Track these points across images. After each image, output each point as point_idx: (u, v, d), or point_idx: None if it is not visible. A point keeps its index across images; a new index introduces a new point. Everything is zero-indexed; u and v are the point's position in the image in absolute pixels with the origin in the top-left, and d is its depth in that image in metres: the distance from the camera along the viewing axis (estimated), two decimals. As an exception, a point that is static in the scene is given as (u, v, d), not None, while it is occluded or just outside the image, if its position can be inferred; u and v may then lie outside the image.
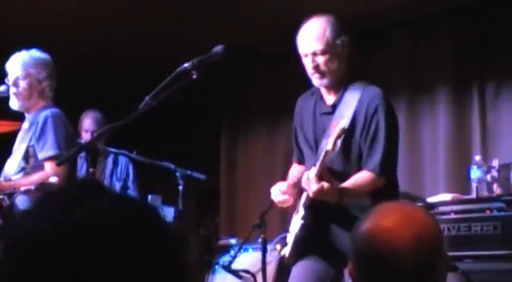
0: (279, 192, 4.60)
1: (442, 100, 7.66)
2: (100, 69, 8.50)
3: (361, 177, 4.48)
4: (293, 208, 4.64)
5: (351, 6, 6.94)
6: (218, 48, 4.41)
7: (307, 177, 4.36)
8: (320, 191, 4.31)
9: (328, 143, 4.31)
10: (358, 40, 6.03)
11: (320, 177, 4.32)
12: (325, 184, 4.31)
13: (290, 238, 4.57)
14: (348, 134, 4.45)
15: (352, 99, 4.60)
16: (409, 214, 2.32)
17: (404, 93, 7.82)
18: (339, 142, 4.33)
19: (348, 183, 4.43)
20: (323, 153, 4.35)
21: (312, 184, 4.33)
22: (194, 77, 4.37)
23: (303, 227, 4.47)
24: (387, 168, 4.53)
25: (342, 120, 4.37)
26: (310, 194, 4.40)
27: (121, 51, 8.27)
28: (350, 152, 4.52)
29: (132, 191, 7.06)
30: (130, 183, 7.10)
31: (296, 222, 4.53)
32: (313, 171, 4.34)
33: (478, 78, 7.52)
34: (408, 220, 2.29)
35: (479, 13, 7.53)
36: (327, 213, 4.45)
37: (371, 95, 4.61)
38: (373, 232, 2.28)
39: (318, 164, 4.35)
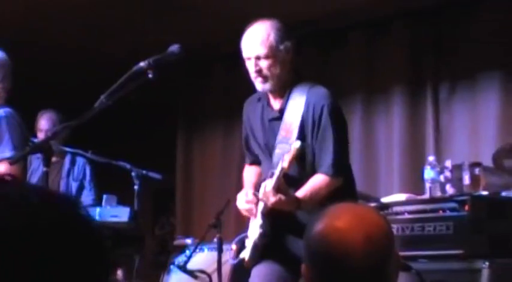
0: (244, 201, 4.60)
1: (397, 101, 7.72)
2: (56, 69, 8.46)
3: (316, 182, 4.49)
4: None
5: (308, 7, 6.96)
6: (174, 47, 4.41)
7: (264, 190, 4.38)
8: (278, 203, 4.34)
9: (284, 160, 4.30)
10: (314, 41, 6.07)
11: (277, 189, 4.33)
12: (283, 196, 4.33)
13: (249, 243, 4.56)
14: (299, 138, 4.47)
15: (298, 102, 4.61)
16: (361, 215, 2.34)
17: (360, 94, 7.87)
18: (294, 161, 4.34)
19: (304, 190, 4.44)
20: (279, 169, 4.34)
21: (270, 197, 4.35)
22: (150, 76, 4.36)
23: (262, 236, 4.48)
24: (341, 168, 4.54)
25: (295, 142, 4.36)
26: (269, 206, 4.41)
27: (77, 51, 8.23)
28: (304, 157, 4.52)
29: (88, 191, 7.04)
30: (87, 184, 7.06)
31: (254, 230, 4.53)
32: (269, 184, 4.36)
33: (432, 79, 7.60)
34: (360, 221, 2.30)
35: (434, 15, 7.60)
36: (284, 221, 4.46)
37: (316, 96, 4.61)
38: (326, 233, 2.30)
39: (274, 178, 4.35)
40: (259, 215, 4.50)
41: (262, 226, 4.47)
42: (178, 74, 8.48)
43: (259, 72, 4.54)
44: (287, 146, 4.47)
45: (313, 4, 7.18)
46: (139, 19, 7.64)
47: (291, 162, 4.29)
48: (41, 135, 6.91)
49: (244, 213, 4.64)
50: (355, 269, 2.27)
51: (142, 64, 4.39)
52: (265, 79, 4.56)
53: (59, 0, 7.40)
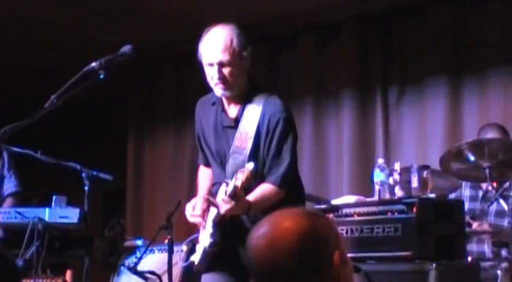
0: (192, 212, 4.60)
1: (347, 104, 7.76)
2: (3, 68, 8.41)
3: (265, 190, 4.52)
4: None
5: (256, 10, 6.97)
6: (126, 48, 4.37)
7: (219, 197, 4.41)
8: (231, 209, 4.37)
9: (238, 179, 4.31)
10: (264, 44, 6.07)
11: (232, 196, 4.34)
12: (236, 203, 4.34)
13: (199, 249, 4.57)
14: (254, 149, 4.53)
15: (254, 112, 4.62)
16: (275, 221, 2.35)
17: (310, 97, 7.90)
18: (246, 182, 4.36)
19: (255, 196, 4.47)
20: (232, 187, 4.33)
21: (224, 204, 4.38)
22: (101, 76, 4.35)
23: (212, 245, 4.48)
24: (288, 181, 4.57)
25: (249, 164, 4.38)
26: (222, 212, 4.43)
27: (24, 51, 8.19)
28: (256, 169, 4.48)
29: (9, 179, 7.02)
30: (5, 172, 7.02)
31: (205, 238, 4.54)
32: (224, 192, 4.37)
33: (381, 83, 7.67)
34: (270, 227, 2.33)
35: (382, 19, 7.64)
36: (234, 231, 4.46)
37: (272, 108, 4.61)
38: (248, 241, 2.34)
39: (230, 188, 4.35)
40: (210, 223, 4.50)
41: (212, 235, 4.48)
42: (128, 75, 8.46)
43: (222, 78, 4.53)
44: (241, 157, 4.54)
45: (262, 7, 7.19)
46: (90, 19, 7.61)
47: (243, 183, 4.30)
48: None
49: (191, 222, 4.66)
50: (260, 272, 2.31)
51: (93, 64, 4.34)
52: (227, 86, 4.56)
53: None
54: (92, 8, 7.49)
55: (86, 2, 7.47)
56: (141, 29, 7.28)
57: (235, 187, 4.30)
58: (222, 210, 4.41)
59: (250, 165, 4.31)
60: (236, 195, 4.33)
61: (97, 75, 4.33)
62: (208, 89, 4.78)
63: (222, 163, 4.69)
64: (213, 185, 4.80)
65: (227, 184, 4.34)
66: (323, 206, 5.80)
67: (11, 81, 8.28)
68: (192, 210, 4.61)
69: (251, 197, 4.43)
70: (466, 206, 6.17)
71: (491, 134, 6.30)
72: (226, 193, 4.33)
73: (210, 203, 4.54)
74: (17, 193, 6.81)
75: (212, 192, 4.74)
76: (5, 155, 7.04)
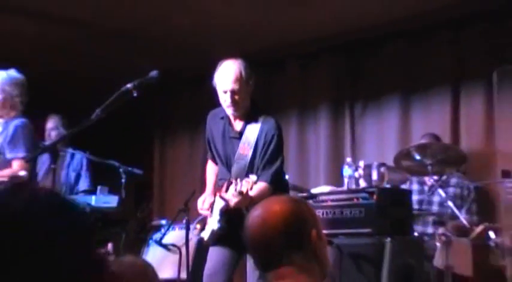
0: (201, 207, 4.72)
1: (323, 116, 7.76)
2: (59, 87, 8.39)
3: (261, 188, 4.53)
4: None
5: (253, 41, 6.94)
6: (153, 73, 4.42)
7: (230, 193, 4.43)
8: (239, 203, 4.40)
9: (243, 186, 4.33)
10: (260, 68, 6.06)
11: (240, 193, 4.36)
12: (242, 198, 4.37)
13: (208, 229, 4.62)
14: (252, 158, 4.61)
15: (254, 128, 4.67)
16: (266, 206, 2.38)
17: (295, 110, 7.89)
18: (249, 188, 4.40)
19: (255, 193, 4.45)
20: (239, 190, 4.35)
21: (233, 199, 4.41)
22: (134, 94, 4.38)
23: (220, 228, 4.54)
24: (275, 179, 4.64)
25: (253, 176, 4.41)
26: (232, 205, 4.46)
27: (77, 74, 8.17)
28: (252, 169, 4.61)
29: (84, 179, 6.98)
30: (83, 173, 7.01)
31: (213, 222, 4.58)
32: (232, 190, 4.40)
33: (349, 99, 7.66)
34: (262, 210, 2.36)
35: (351, 50, 7.64)
36: (235, 217, 4.44)
37: (268, 126, 4.67)
38: (246, 222, 2.39)
39: (238, 189, 4.36)
40: (217, 212, 4.56)
41: (220, 221, 4.54)
42: (154, 93, 8.44)
43: (233, 102, 4.59)
44: (243, 162, 4.64)
45: (257, 39, 7.16)
46: (121, 53, 7.59)
47: (248, 189, 4.32)
48: (48, 134, 6.92)
49: (202, 212, 4.75)
50: (257, 248, 2.34)
51: (128, 85, 4.39)
52: (236, 107, 4.63)
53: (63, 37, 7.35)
54: (124, 43, 7.47)
55: (119, 40, 7.44)
56: (164, 57, 7.24)
57: (242, 191, 4.33)
58: (232, 204, 4.43)
59: (254, 177, 4.36)
60: (243, 194, 4.34)
61: (131, 93, 4.36)
62: (214, 104, 4.83)
63: (228, 164, 4.74)
64: (219, 180, 4.85)
65: (236, 184, 4.35)
66: (304, 194, 5.89)
67: (67, 95, 8.24)
68: (202, 204, 4.71)
69: (252, 193, 4.42)
70: (416, 197, 6.23)
71: (429, 140, 6.35)
72: (236, 191, 4.35)
73: (221, 198, 4.57)
74: (88, 190, 6.78)
75: (219, 185, 4.82)
76: (85, 160, 6.99)
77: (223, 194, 4.58)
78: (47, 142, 6.50)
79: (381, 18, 6.99)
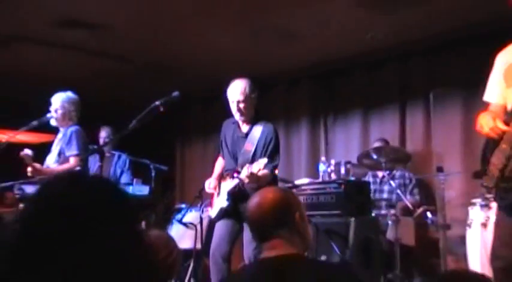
0: (208, 186, 4.76)
1: (303, 126, 7.79)
2: (111, 104, 8.38)
3: (265, 173, 4.50)
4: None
5: (250, 70, 6.90)
6: (175, 93, 4.40)
7: (245, 174, 4.40)
8: (251, 180, 4.40)
9: (254, 168, 4.36)
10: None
11: (251, 174, 4.37)
12: (253, 177, 4.37)
13: (216, 208, 4.63)
14: (254, 153, 4.61)
15: (257, 131, 4.68)
16: (262, 194, 2.36)
17: (282, 121, 7.88)
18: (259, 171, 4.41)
19: (262, 176, 4.45)
20: (251, 171, 4.37)
21: (247, 179, 4.40)
22: (161, 109, 4.37)
23: (228, 206, 4.56)
24: (273, 169, 4.63)
25: (263, 159, 4.41)
26: (246, 182, 4.45)
27: (122, 95, 8.16)
28: (254, 162, 4.54)
29: (126, 175, 6.94)
30: (125, 170, 7.00)
31: (222, 201, 4.59)
32: (245, 172, 4.39)
33: (323, 114, 7.69)
34: (259, 197, 2.35)
35: (324, 78, 7.67)
36: (239, 196, 4.50)
37: (268, 130, 4.68)
38: (247, 206, 2.39)
39: (250, 170, 4.38)
40: (225, 192, 4.58)
41: (228, 200, 4.57)
42: (176, 110, 8.45)
43: (239, 110, 4.64)
44: (247, 156, 4.61)
45: (254, 69, 7.14)
46: (154, 80, 7.59)
47: (259, 169, 4.34)
48: (101, 140, 6.94)
49: (208, 192, 4.78)
50: (254, 224, 2.32)
51: (157, 103, 4.39)
52: (241, 114, 4.65)
53: (103, 67, 7.36)
54: (150, 70, 7.48)
55: (154, 69, 7.44)
56: (184, 81, 7.22)
57: (253, 172, 4.34)
58: (247, 181, 4.42)
59: (264, 160, 4.36)
60: (253, 174, 4.35)
61: (158, 109, 4.34)
62: (222, 118, 4.86)
63: (235, 158, 4.72)
64: (225, 170, 4.82)
65: (248, 167, 4.37)
66: (289, 185, 5.86)
67: (111, 111, 8.22)
68: (208, 185, 4.75)
69: (259, 174, 4.43)
70: (372, 187, 6.22)
71: (381, 143, 6.39)
72: (248, 172, 4.36)
73: (237, 178, 4.55)
74: (128, 183, 6.79)
75: (224, 175, 4.79)
76: (128, 160, 6.95)
77: (240, 176, 4.56)
78: (96, 146, 6.53)
79: (347, 53, 7.01)
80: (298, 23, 6.09)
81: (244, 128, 4.76)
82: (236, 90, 4.65)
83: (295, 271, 2.11)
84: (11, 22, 6.08)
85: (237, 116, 4.69)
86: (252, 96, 4.68)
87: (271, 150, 4.62)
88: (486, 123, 2.96)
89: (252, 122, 4.74)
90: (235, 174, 4.61)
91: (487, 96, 3.20)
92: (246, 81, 4.71)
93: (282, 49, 6.86)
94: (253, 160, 4.60)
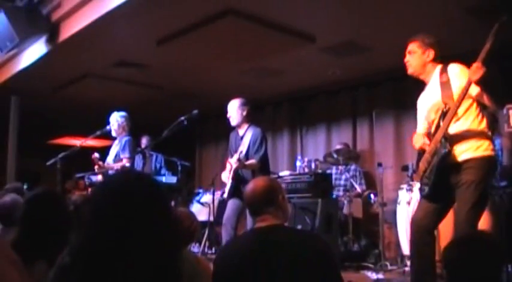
0: (224, 177, 4.56)
1: (285, 134, 7.71)
2: (149, 120, 8.34)
3: (252, 161, 4.41)
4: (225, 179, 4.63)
5: (246, 95, 6.94)
6: (195, 112, 4.41)
7: (234, 159, 4.36)
8: (239, 166, 4.34)
9: (237, 155, 4.33)
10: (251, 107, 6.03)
11: (238, 160, 4.32)
12: (239, 163, 4.32)
13: (227, 189, 4.48)
14: (247, 150, 4.45)
15: (249, 133, 4.50)
16: (256, 181, 2.29)
17: (270, 131, 7.77)
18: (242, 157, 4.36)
19: (248, 163, 4.39)
20: (237, 158, 4.33)
21: (234, 164, 4.36)
22: (185, 123, 4.38)
23: (231, 186, 4.41)
24: (260, 160, 4.46)
25: (241, 153, 4.32)
26: (234, 167, 4.34)
27: (155, 114, 8.12)
28: (247, 156, 4.47)
29: (162, 169, 6.83)
30: (162, 166, 6.89)
31: (228, 184, 4.45)
32: (236, 156, 4.34)
33: (299, 126, 7.60)
34: (253, 183, 2.28)
35: (299, 101, 7.59)
36: (240, 180, 4.39)
37: (256, 131, 4.50)
38: (245, 189, 2.29)
39: (237, 157, 4.34)
40: (229, 180, 4.46)
41: (231, 183, 4.42)
42: (196, 123, 8.40)
43: (230, 117, 4.51)
44: (242, 154, 4.44)
45: (249, 94, 7.13)
46: (175, 101, 7.52)
47: (239, 157, 4.31)
48: (142, 145, 6.86)
49: (224, 180, 4.61)
50: (250, 203, 2.25)
51: (182, 118, 4.40)
52: (232, 121, 4.50)
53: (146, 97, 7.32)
54: (181, 96, 7.40)
55: (180, 95, 7.33)
56: (201, 102, 7.18)
57: (238, 157, 4.29)
58: (235, 166, 4.34)
59: (241, 154, 4.33)
60: (241, 161, 4.30)
61: (183, 122, 4.35)
62: (230, 129, 4.71)
63: (235, 153, 4.55)
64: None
65: (238, 155, 4.32)
66: (275, 175, 5.82)
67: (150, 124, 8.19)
68: (224, 176, 4.55)
69: (247, 163, 4.37)
70: (333, 177, 6.20)
71: (342, 146, 6.36)
72: (235, 159, 4.31)
73: (228, 163, 4.45)
74: (164, 175, 6.73)
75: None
76: (162, 159, 6.78)
77: (230, 160, 4.48)
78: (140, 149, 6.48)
79: (314, 84, 6.99)
80: (279, 64, 6.11)
81: (241, 132, 4.55)
82: (231, 106, 4.51)
83: (279, 236, 2.08)
84: (80, 64, 6.09)
85: (232, 121, 4.51)
86: (243, 108, 4.49)
87: (257, 146, 4.44)
88: (417, 141, 3.04)
89: (245, 127, 4.52)
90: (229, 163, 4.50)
91: (418, 129, 3.18)
92: (240, 99, 4.53)
93: (269, 81, 6.87)
94: (247, 156, 4.43)
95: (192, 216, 2.57)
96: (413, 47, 3.04)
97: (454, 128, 2.86)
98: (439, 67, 3.01)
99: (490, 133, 2.92)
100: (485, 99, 2.85)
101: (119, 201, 1.24)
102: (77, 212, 2.55)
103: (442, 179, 2.85)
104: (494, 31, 2.67)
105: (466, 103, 2.86)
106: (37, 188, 2.25)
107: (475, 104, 2.89)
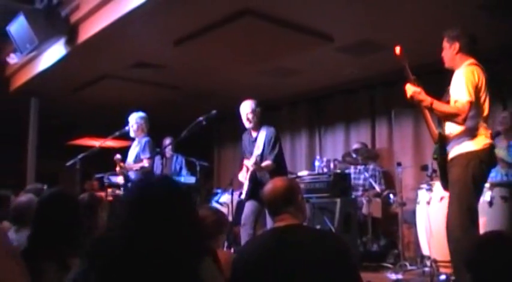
0: (240, 176, 4.58)
1: (303, 135, 7.70)
2: (168, 121, 8.40)
3: (267, 163, 4.40)
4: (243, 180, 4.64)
5: (263, 96, 6.90)
6: (213, 112, 4.42)
7: (250, 163, 4.38)
8: (257, 168, 4.36)
9: (253, 158, 4.35)
10: (266, 111, 6.03)
11: (256, 163, 4.34)
12: (256, 165, 4.34)
13: (244, 191, 4.50)
14: (262, 151, 4.44)
15: (262, 134, 4.49)
16: (275, 181, 2.30)
17: (288, 132, 7.80)
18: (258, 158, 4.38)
19: (264, 165, 4.41)
20: (253, 160, 4.35)
21: (251, 166, 4.37)
22: (204, 123, 4.40)
23: (248, 188, 4.43)
24: (274, 160, 4.44)
25: (257, 156, 4.33)
26: (251, 169, 4.35)
27: (174, 115, 8.18)
28: (262, 157, 4.47)
29: (183, 170, 6.82)
30: (183, 166, 6.89)
31: (246, 185, 4.47)
32: (253, 160, 4.36)
33: (317, 126, 7.56)
34: (272, 183, 2.29)
35: (317, 101, 7.56)
36: (256, 181, 4.41)
37: (270, 131, 4.49)
38: (264, 189, 2.30)
39: (252, 159, 4.36)
40: (247, 181, 4.47)
41: (249, 185, 4.44)
42: (213, 123, 8.43)
43: (248, 120, 4.47)
44: (257, 154, 4.45)
45: (264, 95, 7.13)
46: (193, 101, 7.55)
47: (256, 160, 4.34)
48: (165, 146, 6.91)
49: (241, 180, 4.63)
50: (269, 203, 2.25)
51: (201, 118, 4.43)
52: (248, 123, 4.48)
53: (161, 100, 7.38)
54: (198, 97, 7.46)
55: (196, 95, 7.38)
56: (218, 103, 7.20)
57: (255, 161, 4.30)
58: (251, 168, 4.36)
59: (257, 156, 4.35)
60: (258, 163, 4.31)
61: (201, 122, 4.38)
62: (245, 129, 4.73)
63: (249, 155, 4.58)
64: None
65: (253, 160, 4.33)
66: (294, 176, 5.84)
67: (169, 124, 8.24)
68: (241, 176, 4.57)
69: (262, 165, 4.38)
70: (352, 176, 6.19)
71: (360, 146, 6.34)
72: (251, 162, 4.33)
73: (245, 166, 4.46)
74: (181, 175, 6.78)
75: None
76: (183, 160, 6.79)
77: (246, 162, 4.47)
78: (159, 149, 6.53)
79: (332, 83, 6.96)
80: (297, 63, 6.11)
81: (254, 134, 4.55)
82: (245, 107, 4.49)
83: (298, 235, 2.07)
84: (99, 66, 6.17)
85: (246, 124, 4.49)
86: (256, 111, 4.48)
87: (271, 146, 4.43)
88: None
89: (258, 129, 4.52)
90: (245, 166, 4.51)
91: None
92: (253, 100, 4.51)
93: (286, 81, 6.86)
94: (262, 157, 4.44)
95: (218, 212, 2.57)
96: (443, 42, 3.19)
97: (447, 128, 3.10)
98: (468, 61, 3.07)
99: (481, 129, 3.00)
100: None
101: (150, 200, 1.34)
102: (87, 209, 2.60)
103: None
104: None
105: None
106: (52, 189, 2.28)
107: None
